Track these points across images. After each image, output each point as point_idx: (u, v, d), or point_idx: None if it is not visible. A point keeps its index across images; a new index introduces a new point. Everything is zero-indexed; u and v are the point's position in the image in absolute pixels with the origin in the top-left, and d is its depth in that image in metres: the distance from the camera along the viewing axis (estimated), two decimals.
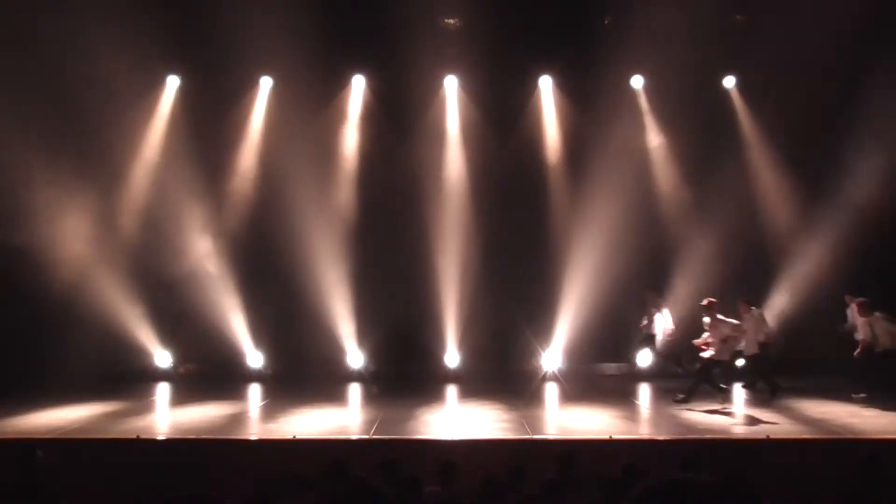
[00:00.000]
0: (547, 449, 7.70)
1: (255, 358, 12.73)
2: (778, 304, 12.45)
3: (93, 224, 11.99)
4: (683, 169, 13.04)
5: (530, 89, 13.43)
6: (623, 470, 5.15)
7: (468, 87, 13.22)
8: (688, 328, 11.32)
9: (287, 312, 12.49)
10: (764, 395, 10.51)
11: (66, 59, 11.27)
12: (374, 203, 12.99)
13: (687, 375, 11.01)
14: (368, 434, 8.25)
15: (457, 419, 9.31)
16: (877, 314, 10.24)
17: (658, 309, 11.99)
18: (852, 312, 10.87)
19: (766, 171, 13.04)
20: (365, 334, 12.69)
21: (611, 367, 13.27)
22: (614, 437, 7.92)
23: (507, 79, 13.04)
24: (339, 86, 13.22)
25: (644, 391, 11.48)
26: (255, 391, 11.58)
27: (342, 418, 9.39)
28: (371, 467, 5.44)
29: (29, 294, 11.09)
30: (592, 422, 9.06)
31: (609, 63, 12.01)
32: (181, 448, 7.85)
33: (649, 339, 12.26)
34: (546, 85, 13.44)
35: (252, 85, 13.11)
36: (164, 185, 12.55)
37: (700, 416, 9.32)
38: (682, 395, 10.06)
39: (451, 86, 13.28)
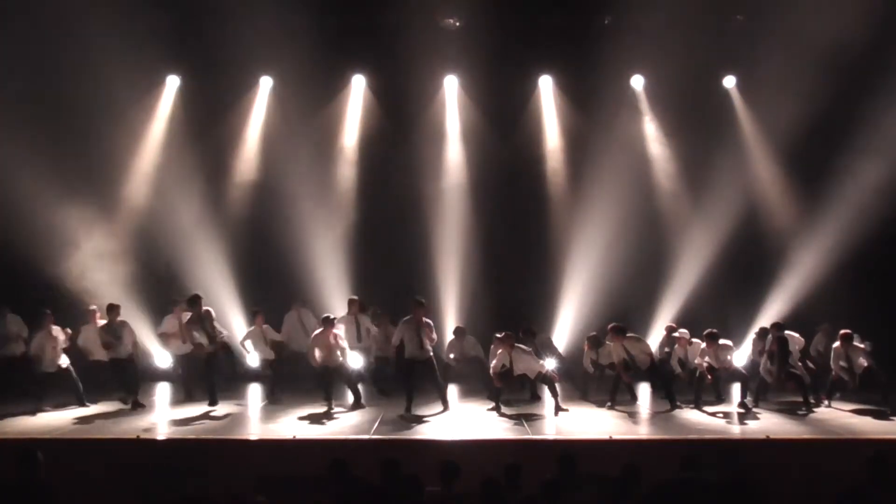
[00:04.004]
0: (547, 449, 7.70)
1: (253, 358, 12.68)
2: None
3: (92, 224, 11.96)
4: (683, 169, 13.04)
5: (530, 89, 13.43)
6: (623, 470, 5.14)
7: (468, 87, 13.23)
8: None
9: (286, 312, 12.45)
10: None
11: (65, 59, 11.27)
12: (373, 203, 13.00)
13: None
14: (368, 434, 8.25)
15: (457, 419, 9.29)
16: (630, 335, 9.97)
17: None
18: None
19: (765, 171, 13.04)
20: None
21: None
22: (614, 437, 7.92)
23: (507, 79, 13.05)
24: (338, 86, 13.23)
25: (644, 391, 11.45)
26: (255, 391, 11.56)
27: (342, 418, 9.39)
28: (371, 467, 5.44)
29: (29, 294, 11.08)
30: (592, 422, 9.06)
31: (609, 63, 12.02)
32: (181, 448, 7.84)
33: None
34: (546, 85, 13.44)
35: (252, 85, 13.12)
36: (164, 185, 12.55)
37: (700, 416, 9.32)
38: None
39: (451, 86, 13.28)
